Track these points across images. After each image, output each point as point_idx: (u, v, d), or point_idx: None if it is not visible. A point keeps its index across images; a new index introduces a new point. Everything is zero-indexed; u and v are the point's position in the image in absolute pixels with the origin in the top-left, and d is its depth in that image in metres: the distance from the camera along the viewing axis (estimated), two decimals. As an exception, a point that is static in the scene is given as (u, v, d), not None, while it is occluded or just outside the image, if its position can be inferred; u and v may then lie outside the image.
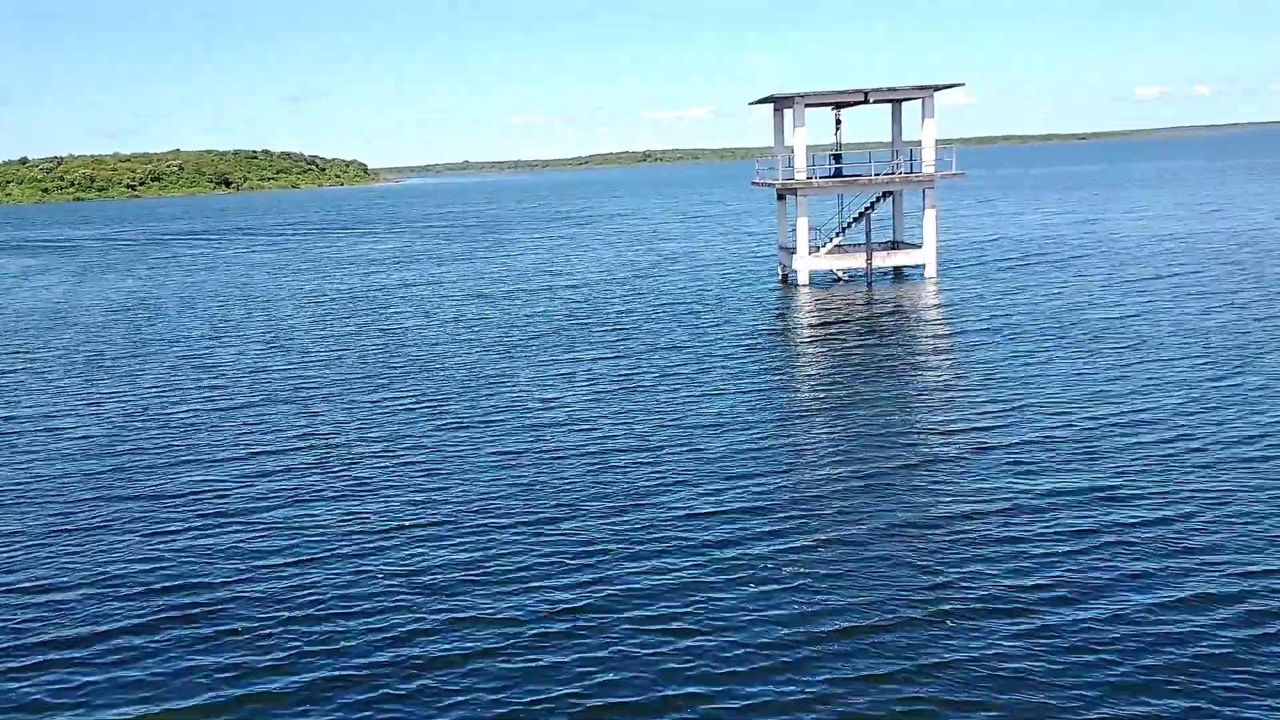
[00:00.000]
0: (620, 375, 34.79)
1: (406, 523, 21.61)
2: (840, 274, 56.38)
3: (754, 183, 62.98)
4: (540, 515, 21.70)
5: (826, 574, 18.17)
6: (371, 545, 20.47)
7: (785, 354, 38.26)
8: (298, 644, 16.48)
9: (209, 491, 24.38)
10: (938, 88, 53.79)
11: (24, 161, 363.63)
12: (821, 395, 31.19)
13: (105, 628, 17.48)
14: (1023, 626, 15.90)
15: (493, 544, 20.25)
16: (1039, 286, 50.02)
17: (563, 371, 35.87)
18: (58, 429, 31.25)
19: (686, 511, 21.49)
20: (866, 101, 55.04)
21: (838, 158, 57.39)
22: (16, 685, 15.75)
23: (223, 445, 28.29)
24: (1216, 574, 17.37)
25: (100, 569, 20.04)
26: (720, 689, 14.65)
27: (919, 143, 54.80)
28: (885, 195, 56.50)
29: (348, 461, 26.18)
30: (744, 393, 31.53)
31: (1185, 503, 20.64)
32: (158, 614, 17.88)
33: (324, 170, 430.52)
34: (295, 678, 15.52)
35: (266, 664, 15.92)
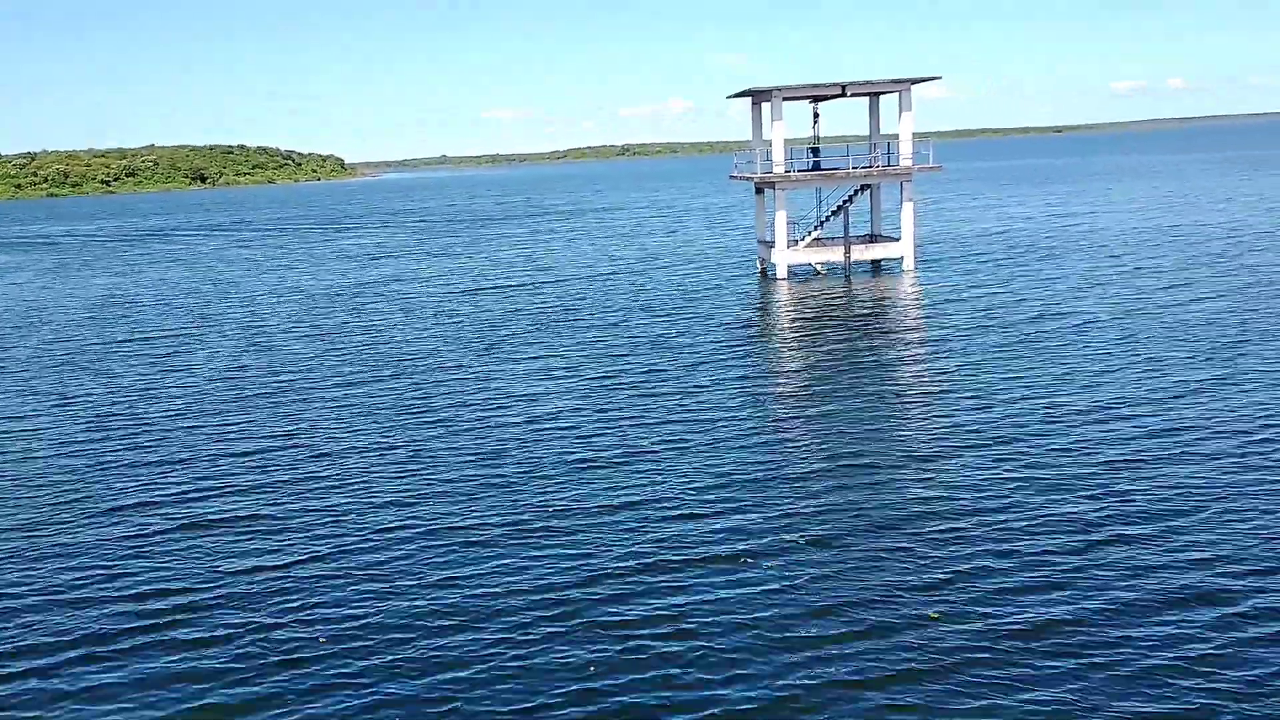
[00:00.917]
0: (599, 371, 34.64)
1: (389, 525, 21.33)
2: (819, 267, 56.39)
3: (732, 176, 62.95)
4: (522, 517, 21.53)
5: (809, 571, 18.07)
6: (352, 548, 20.18)
7: (764, 348, 38.20)
8: (277, 651, 16.21)
9: (185, 494, 24.04)
10: (915, 81, 53.82)
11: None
12: (801, 390, 31.13)
13: (76, 635, 17.16)
14: (1011, 624, 15.80)
15: (474, 546, 20.07)
16: (1017, 279, 50.15)
17: (542, 368, 35.70)
18: (29, 430, 30.88)
19: (668, 510, 21.37)
20: (844, 95, 55.01)
21: (816, 151, 57.36)
22: (-15, 692, 15.47)
23: (199, 447, 27.90)
24: (1212, 571, 17.26)
25: (73, 574, 19.71)
26: (706, 693, 14.54)
27: (896, 136, 54.85)
28: (863, 188, 56.52)
29: (327, 463, 25.86)
30: (724, 387, 31.44)
31: (1170, 495, 20.64)
32: (131, 620, 17.53)
33: (300, 165, 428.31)
34: (272, 684, 15.31)
35: (244, 672, 15.65)
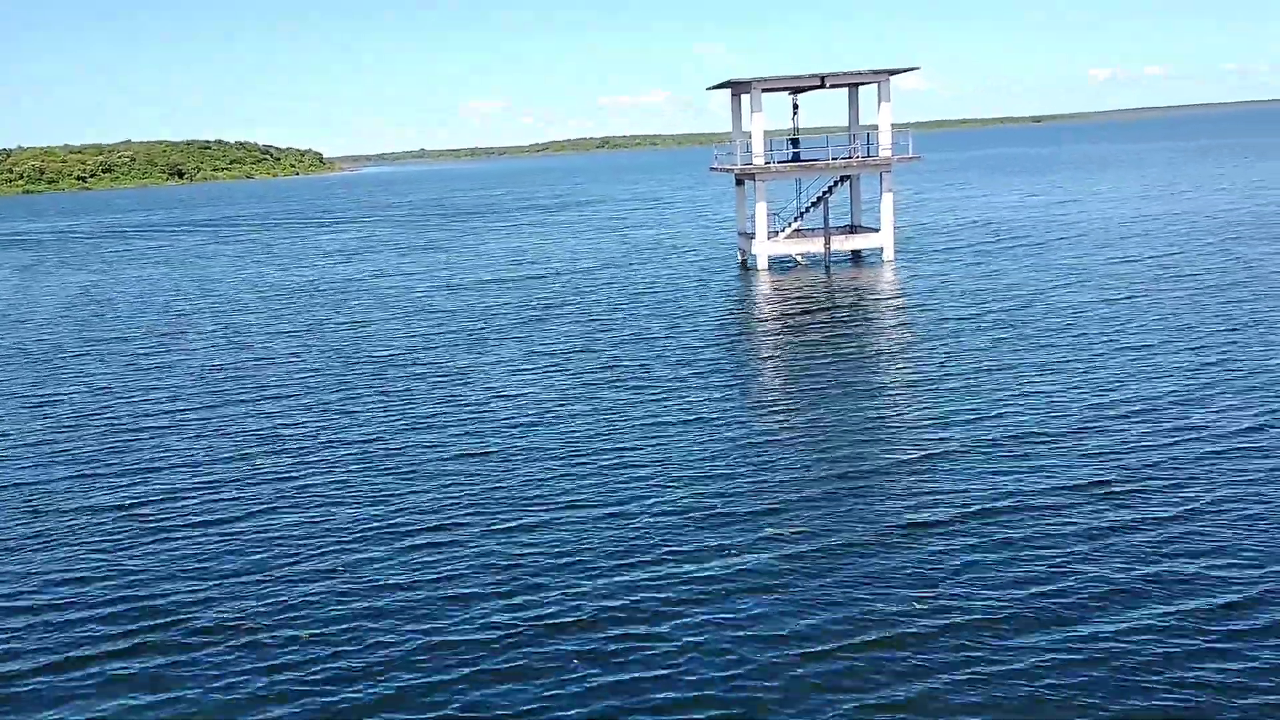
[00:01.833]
0: (581, 365, 34.59)
1: (370, 526, 21.12)
2: (799, 258, 56.44)
3: (712, 168, 62.93)
4: (503, 515, 21.48)
5: (794, 570, 18.05)
6: (335, 552, 19.91)
7: (745, 341, 38.21)
8: (260, 660, 15.93)
9: (165, 498, 23.66)
10: (894, 72, 53.90)
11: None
12: (781, 382, 31.17)
13: (52, 643, 16.90)
14: (1003, 624, 15.73)
15: (458, 549, 19.90)
16: (996, 268, 50.33)
17: (525, 363, 35.61)
18: (2, 433, 30.61)
19: (652, 508, 21.33)
20: (823, 86, 55.06)
21: (795, 142, 57.41)
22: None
23: (179, 449, 27.46)
24: (1210, 563, 17.26)
25: (49, 582, 19.40)
26: (695, 693, 14.52)
27: (876, 127, 54.95)
28: (843, 179, 56.58)
29: (309, 464, 25.57)
30: (704, 380, 31.43)
31: (1161, 488, 20.63)
32: (109, 630, 17.17)
33: (279, 160, 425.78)
34: (251, 686, 15.21)
35: (225, 681, 15.42)
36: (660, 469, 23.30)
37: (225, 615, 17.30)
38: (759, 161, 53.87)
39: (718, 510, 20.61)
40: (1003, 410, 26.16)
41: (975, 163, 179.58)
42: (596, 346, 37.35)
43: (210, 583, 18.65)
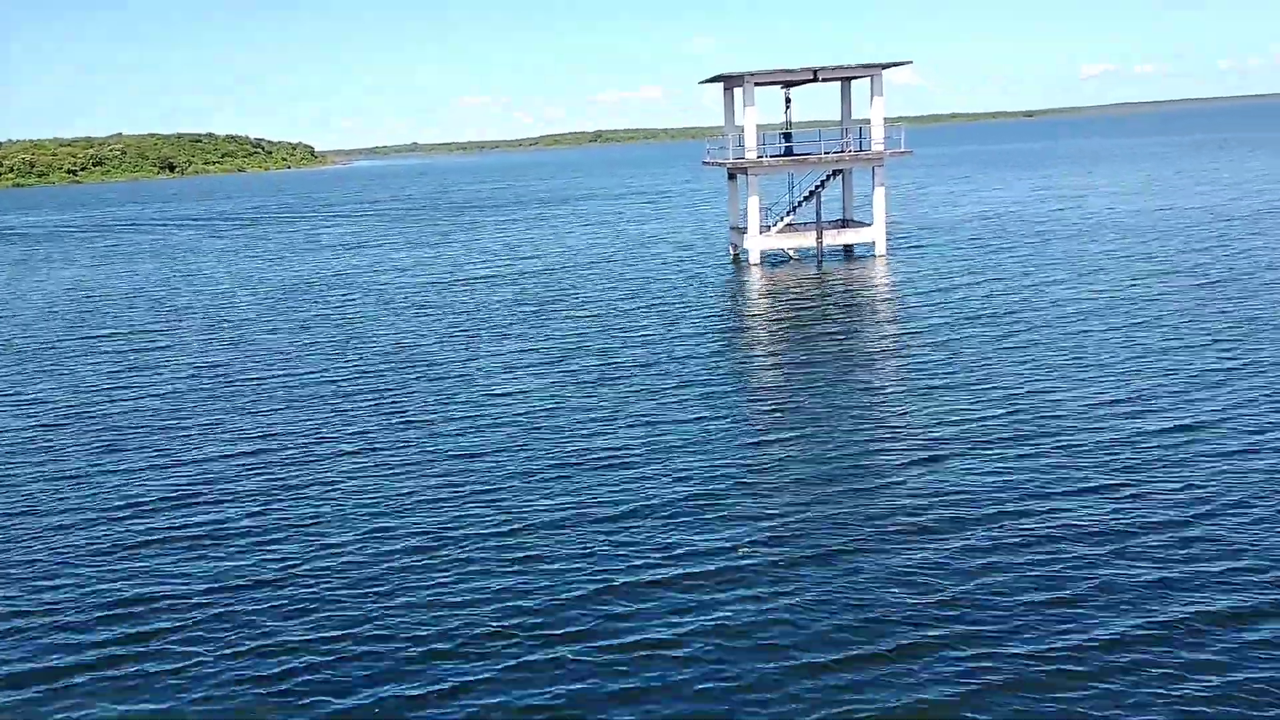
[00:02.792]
0: (572, 362, 34.46)
1: (364, 530, 20.86)
2: (791, 253, 56.33)
3: (705, 162, 62.79)
4: (496, 516, 21.36)
5: (793, 572, 17.96)
6: (330, 554, 19.68)
7: (736, 335, 38.10)
8: (255, 669, 15.71)
9: (155, 501, 23.35)
10: (886, 66, 53.78)
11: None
12: (772, 377, 31.06)
13: (35, 650, 16.67)
14: (998, 624, 15.70)
15: (447, 550, 19.80)
16: (988, 263, 50.28)
17: (515, 360, 35.46)
18: (-7, 423, 30.40)
19: (643, 507, 21.24)
20: (816, 80, 54.92)
21: (788, 136, 57.28)
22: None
23: (169, 450, 26.99)
24: (1212, 562, 17.21)
25: (34, 589, 19.16)
26: (690, 692, 14.44)
27: (868, 121, 54.83)
28: (835, 174, 56.47)
29: (302, 465, 25.21)
30: (696, 376, 31.32)
31: (1152, 484, 20.61)
32: (96, 639, 16.74)
33: (270, 153, 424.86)
34: (248, 702, 15.06)
35: (219, 692, 15.14)
36: (651, 466, 23.18)
37: (216, 628, 17.00)
38: (751, 156, 53.75)
39: (712, 508, 20.52)
40: (995, 406, 26.10)
41: (968, 157, 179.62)
42: (587, 342, 37.20)
43: (199, 593, 18.30)
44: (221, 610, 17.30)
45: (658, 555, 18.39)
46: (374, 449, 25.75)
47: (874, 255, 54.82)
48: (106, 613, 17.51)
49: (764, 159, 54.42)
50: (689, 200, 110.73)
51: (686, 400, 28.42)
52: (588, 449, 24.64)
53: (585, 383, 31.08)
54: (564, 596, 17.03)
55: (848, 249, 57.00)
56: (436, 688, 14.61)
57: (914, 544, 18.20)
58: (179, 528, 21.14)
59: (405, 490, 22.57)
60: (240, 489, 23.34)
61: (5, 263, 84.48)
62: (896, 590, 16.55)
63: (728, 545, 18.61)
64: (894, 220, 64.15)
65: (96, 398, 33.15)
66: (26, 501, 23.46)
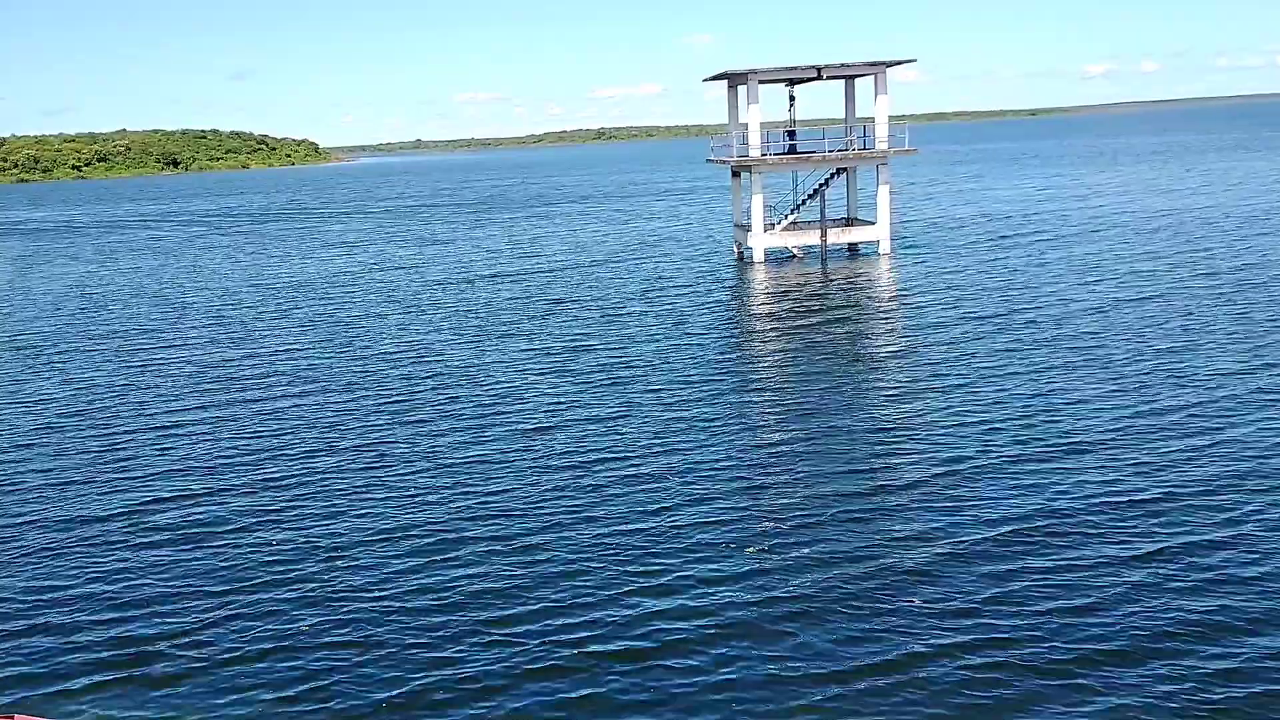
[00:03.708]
0: (576, 362, 34.51)
1: (372, 530, 20.77)
2: (795, 251, 56.35)
3: (709, 160, 62.79)
4: (494, 515, 21.41)
5: (799, 582, 18.00)
6: (333, 559, 19.51)
7: (740, 334, 38.16)
8: (258, 680, 15.41)
9: (157, 501, 23.15)
10: (890, 64, 53.75)
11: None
12: (776, 377, 31.13)
13: (27, 656, 16.52)
14: (997, 630, 15.61)
15: (453, 557, 19.63)
16: (992, 262, 50.28)
17: (520, 360, 35.49)
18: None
19: (649, 509, 21.26)
20: (820, 78, 54.90)
21: (792, 134, 57.27)
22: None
23: (171, 453, 26.61)
24: (1217, 558, 17.16)
25: (32, 593, 19.01)
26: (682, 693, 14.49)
27: (872, 119, 54.81)
28: (839, 172, 56.45)
29: (309, 465, 25.01)
30: (699, 373, 31.36)
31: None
32: (96, 649, 16.42)
33: (274, 150, 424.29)
34: (252, 705, 15.05)
35: (224, 701, 15.02)
36: (654, 465, 23.23)
37: (222, 636, 16.82)
38: (755, 153, 53.75)
39: (717, 507, 20.56)
40: (1000, 405, 26.13)
41: (974, 156, 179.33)
42: (591, 342, 37.21)
43: (202, 600, 18.13)
44: (227, 612, 17.31)
45: (662, 553, 18.44)
46: (380, 448, 25.75)
47: (878, 253, 54.82)
48: (111, 614, 17.47)
49: (768, 157, 54.41)
50: (692, 198, 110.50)
51: (690, 399, 28.45)
52: (591, 447, 24.69)
53: (589, 381, 31.10)
54: (569, 597, 17.08)
55: (852, 247, 56.99)
56: (442, 689, 14.60)
57: (924, 546, 18.24)
58: (182, 527, 21.18)
59: (413, 489, 22.60)
60: (245, 488, 23.34)
61: (9, 258, 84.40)
62: (903, 593, 16.58)
63: (734, 545, 18.65)
64: (898, 218, 64.09)
65: (103, 395, 33.09)
66: (29, 499, 23.41)
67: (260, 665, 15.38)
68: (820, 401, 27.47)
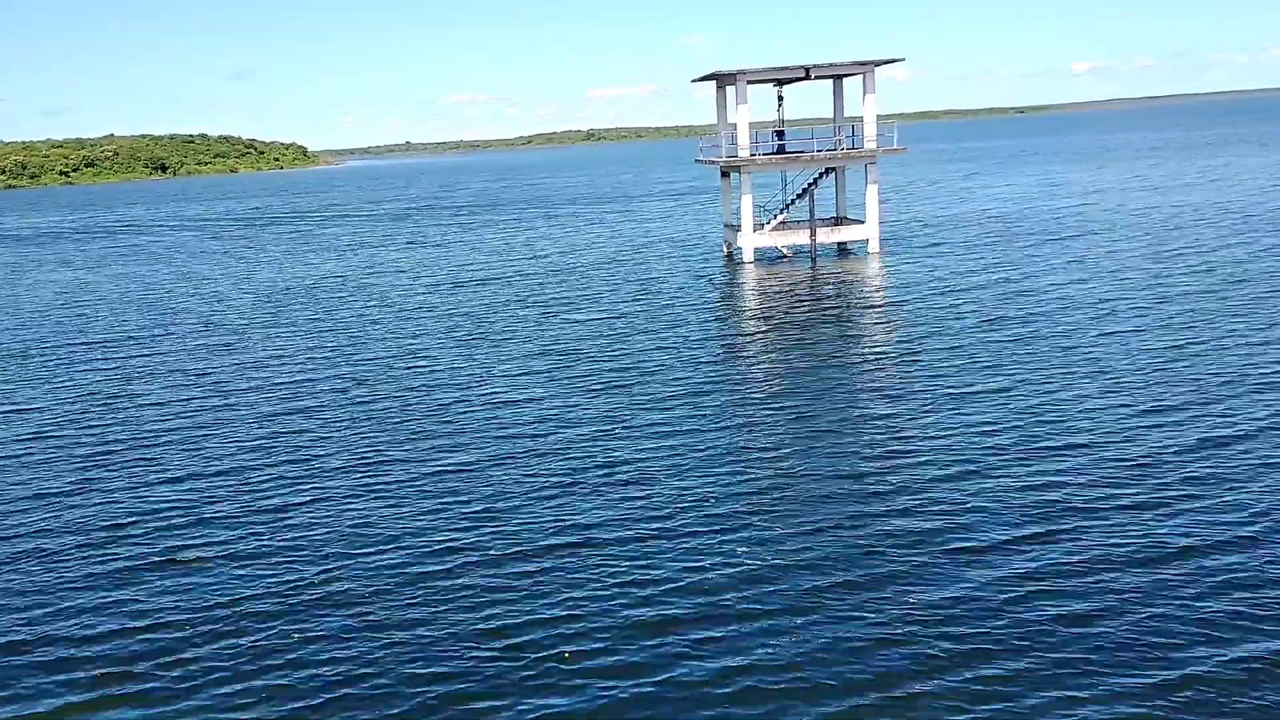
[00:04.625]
0: (564, 363, 34.47)
1: (368, 543, 20.63)
2: (785, 251, 56.37)
3: (698, 160, 62.81)
4: (488, 521, 21.34)
5: (785, 575, 17.98)
6: (327, 569, 19.48)
7: (730, 334, 38.14)
8: (247, 694, 15.22)
9: (148, 514, 22.99)
10: (878, 63, 53.79)
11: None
12: (766, 377, 31.11)
13: (20, 665, 16.46)
14: (994, 626, 15.56)
15: (445, 564, 19.70)
16: (981, 260, 50.36)
17: (509, 363, 35.45)
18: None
19: (639, 509, 21.23)
20: (808, 77, 54.94)
21: (781, 134, 57.29)
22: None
23: (162, 463, 26.38)
24: (1210, 574, 17.00)
25: (16, 604, 18.92)
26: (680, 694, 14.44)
27: (861, 118, 54.85)
28: (828, 171, 56.51)
29: (302, 474, 24.84)
30: (689, 374, 31.34)
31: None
32: (86, 661, 16.23)
33: (263, 154, 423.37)
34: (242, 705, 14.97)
35: (220, 691, 15.02)
36: (644, 467, 23.19)
37: (214, 651, 16.57)
38: (744, 153, 53.76)
39: (707, 510, 20.52)
40: (992, 403, 26.15)
41: (962, 154, 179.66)
42: (580, 343, 37.18)
43: (196, 616, 17.87)
44: (218, 627, 17.13)
45: (655, 554, 18.40)
46: (371, 454, 25.63)
47: (868, 252, 54.89)
48: (98, 626, 17.35)
49: (757, 157, 54.43)
50: (681, 198, 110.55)
51: (680, 401, 28.42)
52: (581, 452, 24.60)
53: (579, 384, 31.05)
54: (563, 600, 17.02)
55: (841, 246, 57.04)
56: (437, 702, 14.46)
57: (916, 549, 18.21)
58: (169, 538, 21.04)
59: (407, 497, 22.46)
60: (236, 499, 23.13)
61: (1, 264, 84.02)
62: (903, 595, 16.57)
63: (726, 549, 18.62)
64: (887, 217, 64.18)
65: (91, 403, 32.86)
66: (16, 509, 23.19)
67: (251, 677, 15.25)
68: (810, 400, 27.46)
